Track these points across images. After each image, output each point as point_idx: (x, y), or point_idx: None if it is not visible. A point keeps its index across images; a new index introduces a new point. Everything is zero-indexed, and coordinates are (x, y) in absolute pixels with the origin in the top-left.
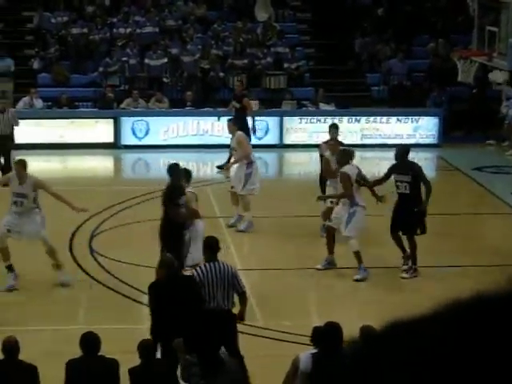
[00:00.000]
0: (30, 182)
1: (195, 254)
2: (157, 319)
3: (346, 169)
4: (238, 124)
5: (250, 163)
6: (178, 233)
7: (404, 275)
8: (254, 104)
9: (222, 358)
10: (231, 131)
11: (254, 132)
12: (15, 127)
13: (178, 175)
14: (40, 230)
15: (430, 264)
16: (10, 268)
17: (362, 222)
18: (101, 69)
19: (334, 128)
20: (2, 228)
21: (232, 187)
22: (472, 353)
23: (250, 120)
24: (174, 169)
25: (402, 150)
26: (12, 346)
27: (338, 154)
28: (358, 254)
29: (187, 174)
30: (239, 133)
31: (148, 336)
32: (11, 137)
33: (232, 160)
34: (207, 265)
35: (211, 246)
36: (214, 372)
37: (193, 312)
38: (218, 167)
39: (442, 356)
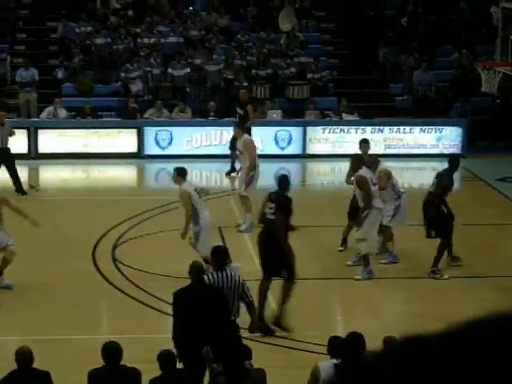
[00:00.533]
0: None
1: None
2: (179, 326)
3: (362, 172)
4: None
5: (254, 166)
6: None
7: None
8: (276, 114)
9: (248, 368)
10: (237, 135)
11: None
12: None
13: (287, 185)
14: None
15: (454, 274)
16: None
17: (375, 225)
18: (122, 74)
19: (364, 143)
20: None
21: (233, 189)
22: (477, 376)
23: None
24: (282, 180)
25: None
26: (25, 356)
27: (353, 160)
28: (365, 258)
29: (182, 171)
30: (246, 136)
31: (169, 346)
32: (9, 148)
33: (237, 164)
34: (215, 274)
35: (220, 255)
36: (239, 382)
37: (218, 320)
38: (227, 173)
39: (445, 377)
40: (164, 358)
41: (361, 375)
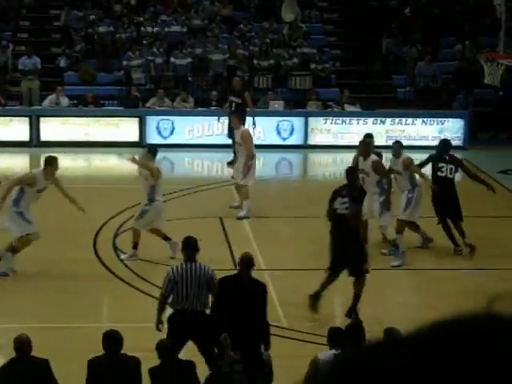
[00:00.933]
0: None
1: None
2: (219, 313)
3: (374, 157)
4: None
5: (252, 156)
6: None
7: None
8: (278, 104)
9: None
10: (235, 125)
11: (254, 127)
12: None
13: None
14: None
15: (455, 267)
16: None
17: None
18: (124, 63)
19: (368, 137)
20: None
21: (232, 177)
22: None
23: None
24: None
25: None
26: (23, 344)
27: (360, 147)
28: (395, 242)
29: (153, 150)
30: (243, 129)
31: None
32: None
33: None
34: (184, 264)
35: (190, 246)
36: (255, 369)
37: (256, 312)
38: (229, 163)
39: (411, 379)
40: (162, 348)
41: (349, 366)
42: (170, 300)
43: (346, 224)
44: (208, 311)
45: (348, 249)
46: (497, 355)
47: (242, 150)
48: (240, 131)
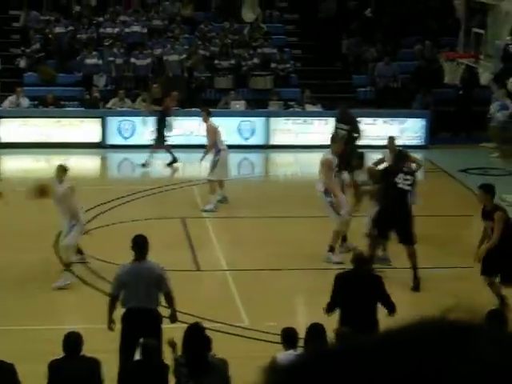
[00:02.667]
0: None
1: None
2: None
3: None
4: (158, 124)
5: (218, 151)
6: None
7: None
8: (240, 105)
9: (210, 359)
10: (204, 119)
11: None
12: None
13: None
14: None
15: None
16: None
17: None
18: (85, 64)
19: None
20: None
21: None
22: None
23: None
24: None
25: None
26: (74, 342)
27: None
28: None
29: (62, 169)
30: (209, 123)
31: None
32: None
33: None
34: (133, 263)
35: (139, 245)
36: (201, 373)
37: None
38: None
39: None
40: (68, 341)
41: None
42: (121, 299)
43: (405, 199)
44: (158, 309)
45: (402, 220)
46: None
47: (210, 144)
48: (206, 125)
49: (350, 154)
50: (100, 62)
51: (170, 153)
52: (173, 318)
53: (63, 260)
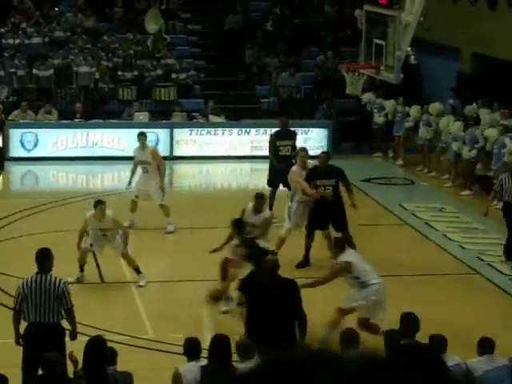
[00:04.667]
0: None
1: None
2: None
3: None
4: None
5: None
6: None
7: None
8: (143, 116)
9: (112, 372)
10: (144, 144)
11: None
12: None
13: None
14: None
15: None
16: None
17: None
18: None
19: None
20: None
21: (136, 196)
22: None
23: None
24: None
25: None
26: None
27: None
28: None
29: None
30: (152, 147)
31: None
32: None
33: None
34: (35, 276)
35: (42, 258)
36: None
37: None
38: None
39: None
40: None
41: None
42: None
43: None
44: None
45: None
46: None
47: (153, 169)
48: (151, 150)
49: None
50: (1, 73)
51: None
52: (73, 335)
53: None
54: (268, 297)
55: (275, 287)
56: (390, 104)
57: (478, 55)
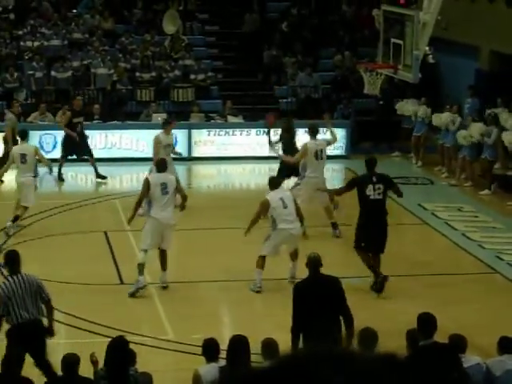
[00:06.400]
0: None
1: None
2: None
3: None
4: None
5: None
6: None
7: None
8: (161, 117)
9: (132, 373)
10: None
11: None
12: None
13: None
14: None
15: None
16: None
17: None
18: (6, 78)
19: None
20: None
21: None
22: None
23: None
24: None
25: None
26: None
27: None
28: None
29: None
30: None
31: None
32: None
33: None
34: (11, 278)
35: (11, 260)
36: None
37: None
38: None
39: None
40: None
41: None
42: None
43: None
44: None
45: (380, 230)
46: None
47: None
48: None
49: None
50: (20, 75)
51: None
52: (51, 330)
53: None
54: (311, 295)
55: (318, 285)
56: (422, 109)
57: (496, 53)
